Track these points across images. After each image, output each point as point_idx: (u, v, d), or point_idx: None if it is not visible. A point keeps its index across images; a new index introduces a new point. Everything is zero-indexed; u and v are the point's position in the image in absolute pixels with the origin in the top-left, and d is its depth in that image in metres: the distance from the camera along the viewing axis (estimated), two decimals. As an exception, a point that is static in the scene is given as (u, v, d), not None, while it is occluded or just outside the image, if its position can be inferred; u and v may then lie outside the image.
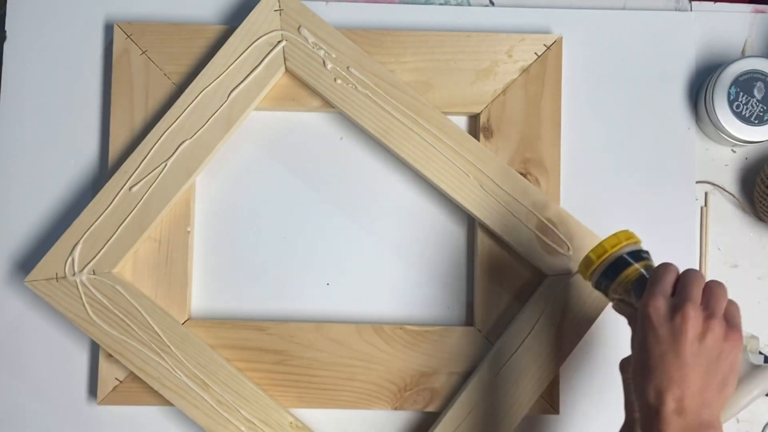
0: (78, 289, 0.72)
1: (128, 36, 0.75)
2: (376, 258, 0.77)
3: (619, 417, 0.75)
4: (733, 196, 0.77)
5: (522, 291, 0.74)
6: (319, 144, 0.78)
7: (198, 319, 0.76)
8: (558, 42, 0.75)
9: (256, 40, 0.73)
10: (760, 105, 0.73)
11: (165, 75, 0.75)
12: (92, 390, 0.76)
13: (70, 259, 0.72)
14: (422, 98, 0.73)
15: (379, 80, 0.73)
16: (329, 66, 0.73)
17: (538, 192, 0.73)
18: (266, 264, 0.77)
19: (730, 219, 0.78)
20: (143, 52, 0.75)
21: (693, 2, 0.79)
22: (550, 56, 0.75)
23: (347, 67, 0.73)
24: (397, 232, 0.78)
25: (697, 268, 0.77)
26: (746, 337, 0.75)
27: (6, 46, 0.78)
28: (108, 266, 0.72)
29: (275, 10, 0.73)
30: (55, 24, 0.78)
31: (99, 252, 0.72)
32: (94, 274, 0.72)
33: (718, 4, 0.79)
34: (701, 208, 0.77)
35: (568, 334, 0.72)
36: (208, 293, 0.77)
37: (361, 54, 0.73)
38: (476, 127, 0.76)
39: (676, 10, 0.79)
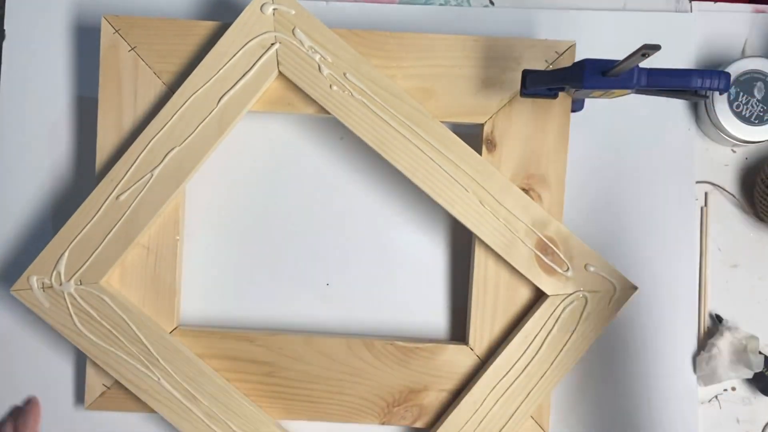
0: (65, 299, 0.70)
1: (116, 30, 0.72)
2: (370, 267, 0.77)
3: (599, 413, 0.76)
4: (733, 196, 0.77)
5: (518, 309, 0.73)
6: (319, 144, 0.78)
7: (189, 327, 0.75)
8: (571, 49, 0.72)
9: (247, 43, 0.70)
10: (760, 105, 0.73)
11: (155, 74, 0.72)
12: (79, 395, 0.76)
13: (56, 268, 0.70)
14: (422, 108, 0.70)
15: (377, 88, 0.70)
16: (325, 72, 0.70)
17: (539, 209, 0.70)
18: (259, 270, 0.77)
19: (730, 219, 0.77)
20: (132, 49, 0.72)
21: (693, 2, 0.79)
22: (561, 64, 0.71)
23: (344, 74, 0.70)
24: (394, 241, 0.77)
25: (697, 268, 0.77)
26: (746, 337, 0.75)
27: (5, 45, 0.78)
28: (95, 276, 0.71)
29: (269, 10, 0.70)
30: (55, 23, 0.78)
31: (86, 262, 0.70)
32: (81, 284, 0.71)
33: (718, 4, 0.79)
34: (701, 208, 0.77)
35: (563, 356, 0.71)
36: (200, 299, 0.77)
37: (359, 59, 0.70)
38: (479, 138, 0.73)
39: (676, 10, 0.79)
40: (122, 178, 0.70)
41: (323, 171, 0.77)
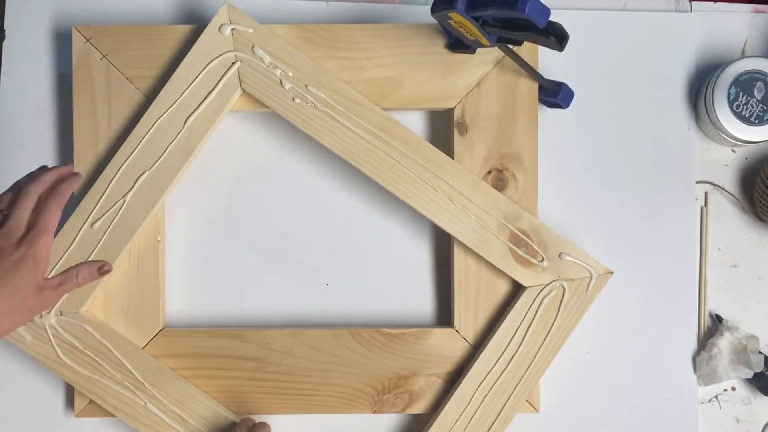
0: (46, 331, 0.71)
1: (87, 40, 0.72)
2: (359, 261, 0.77)
3: (600, 414, 0.74)
4: (733, 196, 0.77)
5: (501, 292, 0.73)
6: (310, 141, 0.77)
7: (174, 328, 0.75)
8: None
9: (208, 64, 0.70)
10: (760, 105, 0.73)
11: (127, 79, 0.72)
12: (69, 402, 0.76)
13: None
14: (385, 114, 0.70)
15: (339, 97, 0.70)
16: (287, 86, 0.70)
17: (509, 203, 0.71)
18: (246, 268, 0.77)
19: (730, 219, 0.77)
20: (104, 56, 0.72)
21: (693, 2, 0.79)
22: (525, 45, 0.70)
23: (305, 86, 0.70)
24: (381, 233, 0.77)
25: (697, 268, 0.77)
26: (746, 337, 0.75)
27: (5, 45, 0.78)
28: (75, 306, 0.71)
29: (227, 31, 0.70)
30: (53, 24, 0.78)
31: None
32: (61, 315, 0.71)
33: (718, 4, 0.79)
34: (701, 208, 0.77)
35: (546, 345, 0.71)
36: (187, 298, 0.76)
37: (320, 70, 0.70)
38: (450, 122, 0.73)
39: (676, 10, 0.79)
40: (95, 206, 0.70)
41: (314, 168, 0.77)
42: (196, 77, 0.70)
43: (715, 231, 0.77)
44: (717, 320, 0.76)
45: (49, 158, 0.77)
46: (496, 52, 0.72)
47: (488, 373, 0.71)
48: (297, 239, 0.77)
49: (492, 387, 0.71)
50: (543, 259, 0.71)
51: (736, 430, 0.76)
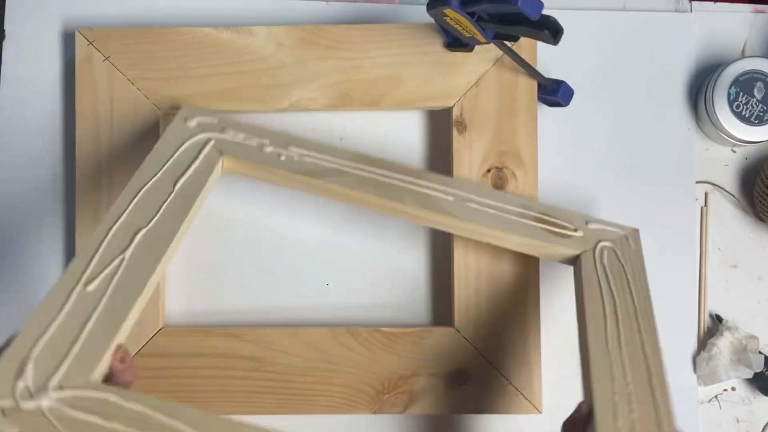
0: (47, 417, 0.48)
1: (90, 42, 0.72)
2: (358, 261, 0.77)
3: None
4: (733, 196, 0.77)
5: (502, 294, 0.73)
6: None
7: (174, 327, 0.75)
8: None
9: (183, 143, 0.67)
10: (760, 105, 0.73)
11: (129, 81, 0.72)
12: None
13: (21, 379, 0.50)
14: (370, 155, 0.69)
15: (318, 152, 0.68)
16: (268, 150, 0.68)
17: (518, 197, 0.70)
18: (247, 269, 0.77)
19: (730, 219, 0.77)
20: (106, 58, 0.72)
21: (693, 2, 0.79)
22: (523, 43, 0.71)
23: (287, 146, 0.68)
24: (381, 235, 0.77)
25: (697, 268, 0.76)
26: (746, 337, 0.75)
27: (5, 45, 0.78)
28: (84, 373, 0.51)
29: (193, 123, 0.68)
30: (56, 26, 0.78)
31: (66, 358, 0.52)
32: (62, 389, 0.50)
33: (718, 4, 0.79)
34: (701, 208, 0.77)
35: (636, 291, 0.64)
36: (187, 298, 0.77)
37: (294, 137, 0.69)
38: (449, 121, 0.74)
39: (675, 10, 0.79)
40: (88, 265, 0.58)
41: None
42: (174, 153, 0.66)
43: (715, 231, 0.77)
44: (717, 320, 0.76)
45: (49, 158, 0.77)
46: (494, 51, 0.72)
47: (608, 345, 0.62)
48: (297, 239, 0.77)
49: (623, 363, 0.61)
50: (576, 229, 0.69)
51: (736, 430, 0.76)
